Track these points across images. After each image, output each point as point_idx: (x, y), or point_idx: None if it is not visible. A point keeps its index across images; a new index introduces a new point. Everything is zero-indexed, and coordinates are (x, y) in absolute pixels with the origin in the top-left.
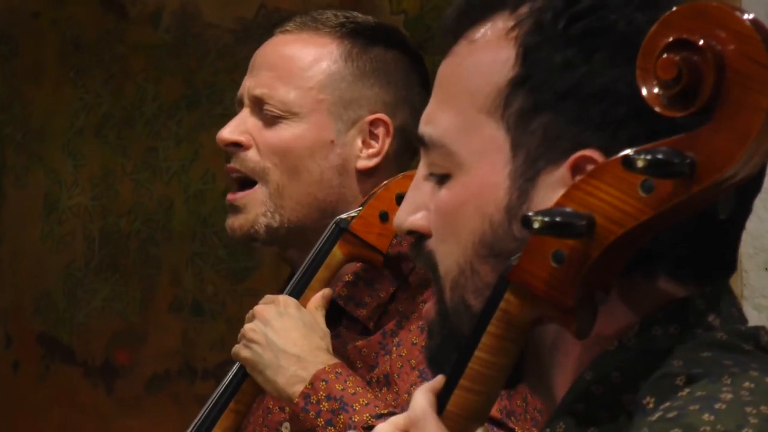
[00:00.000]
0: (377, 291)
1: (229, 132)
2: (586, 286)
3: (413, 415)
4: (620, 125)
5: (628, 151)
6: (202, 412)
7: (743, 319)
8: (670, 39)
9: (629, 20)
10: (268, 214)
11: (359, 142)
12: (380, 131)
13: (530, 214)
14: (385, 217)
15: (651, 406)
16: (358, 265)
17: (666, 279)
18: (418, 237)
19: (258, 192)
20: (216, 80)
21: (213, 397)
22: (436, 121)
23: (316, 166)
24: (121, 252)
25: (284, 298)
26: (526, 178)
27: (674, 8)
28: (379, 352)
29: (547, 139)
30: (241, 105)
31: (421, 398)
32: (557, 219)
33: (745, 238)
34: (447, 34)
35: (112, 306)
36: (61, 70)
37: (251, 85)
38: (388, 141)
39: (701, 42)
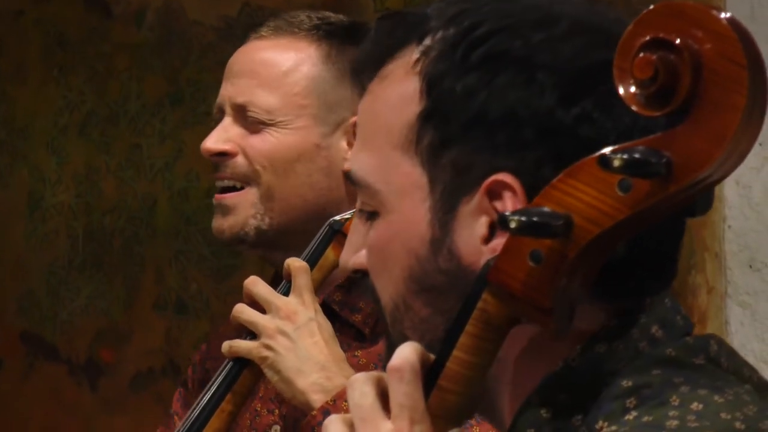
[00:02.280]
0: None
1: (213, 142)
2: (563, 286)
3: (394, 362)
4: (527, 148)
5: (604, 151)
6: (191, 411)
7: (689, 326)
8: (647, 38)
9: (525, 41)
10: (258, 216)
11: (344, 144)
12: None
13: (507, 213)
14: None
15: (604, 430)
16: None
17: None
18: (363, 274)
19: (248, 193)
20: (200, 78)
21: (202, 396)
22: (359, 160)
23: (304, 168)
24: (104, 250)
25: (309, 301)
26: (445, 210)
27: (651, 7)
28: (378, 364)
29: (460, 170)
30: (221, 113)
31: (407, 348)
32: (534, 219)
33: (729, 235)
34: (361, 73)
35: (96, 304)
36: (44, 69)
37: (232, 93)
38: None
39: (678, 41)
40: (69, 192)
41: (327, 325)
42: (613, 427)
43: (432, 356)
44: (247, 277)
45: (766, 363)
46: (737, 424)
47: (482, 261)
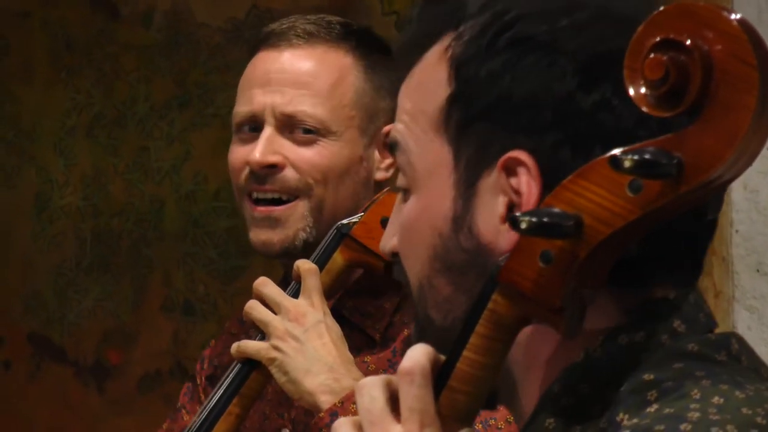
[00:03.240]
0: (381, 301)
1: (261, 154)
2: (574, 286)
3: (405, 365)
4: (546, 129)
5: (615, 151)
6: (199, 413)
7: (712, 324)
8: (658, 39)
9: (550, 27)
10: (308, 228)
11: (377, 154)
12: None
13: (518, 214)
14: (386, 223)
15: (625, 422)
16: (359, 274)
17: (626, 286)
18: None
19: (299, 206)
20: (207, 80)
21: (210, 399)
22: (399, 132)
23: (351, 181)
24: (112, 252)
25: (319, 303)
26: (467, 185)
27: (661, 8)
28: (388, 370)
29: (482, 146)
30: (253, 121)
31: (418, 350)
32: (545, 219)
33: (737, 239)
34: (405, 57)
35: (104, 306)
36: (52, 70)
37: (279, 102)
38: None
39: (689, 42)
40: (76, 194)
41: (336, 327)
42: (635, 420)
43: (443, 357)
44: (254, 279)
45: None
46: (758, 419)
47: (500, 240)
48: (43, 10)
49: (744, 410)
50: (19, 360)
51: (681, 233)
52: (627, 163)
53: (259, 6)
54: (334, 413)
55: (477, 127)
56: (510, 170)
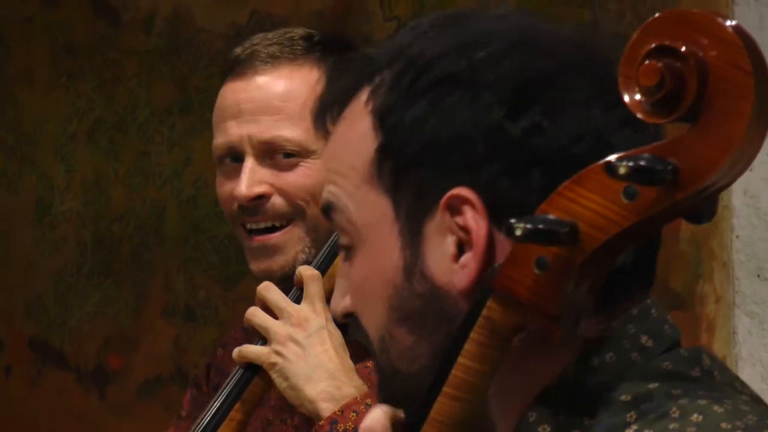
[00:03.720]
0: None
1: (247, 188)
2: (570, 293)
3: (365, 425)
4: (481, 163)
5: (610, 158)
6: (200, 418)
7: (677, 334)
8: (653, 45)
9: (467, 62)
10: (306, 249)
11: None
12: None
13: (512, 221)
14: None
15: None
16: None
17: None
18: (353, 317)
19: (295, 230)
20: (208, 85)
21: (212, 404)
22: (332, 193)
23: None
24: (113, 257)
25: (321, 309)
26: (413, 232)
27: (657, 14)
28: None
29: (420, 191)
30: (231, 154)
31: (377, 411)
32: (540, 226)
33: (737, 245)
34: (323, 117)
35: (104, 311)
36: (53, 75)
37: (254, 132)
38: None
39: (684, 48)
40: (77, 199)
41: (337, 333)
42: None
43: (402, 415)
44: (255, 284)
45: None
46: None
47: (455, 280)
48: (44, 14)
49: (723, 425)
50: (20, 365)
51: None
52: (622, 170)
53: (259, 11)
54: (333, 421)
55: (411, 174)
56: (454, 209)
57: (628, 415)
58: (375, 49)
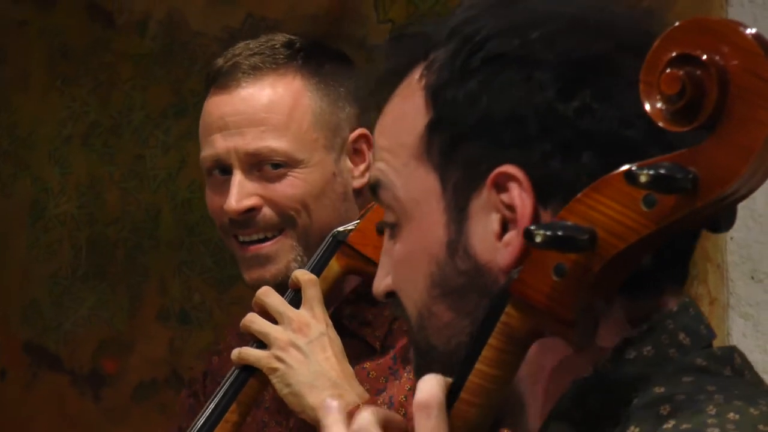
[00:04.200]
0: (381, 309)
1: (236, 202)
2: (587, 300)
3: (420, 397)
4: (532, 142)
5: (630, 166)
6: (196, 420)
7: (712, 335)
8: (674, 54)
9: (522, 41)
10: (298, 258)
11: (349, 163)
12: (362, 146)
13: (532, 227)
14: (382, 230)
15: None
16: (357, 282)
17: (629, 297)
18: (395, 295)
19: (286, 238)
20: (203, 89)
21: (207, 405)
22: (379, 170)
23: (329, 200)
24: (108, 260)
25: (320, 314)
26: (458, 208)
27: (677, 23)
28: (389, 377)
29: (468, 167)
30: (218, 166)
31: (432, 382)
32: (559, 233)
33: (732, 247)
34: (377, 96)
35: (99, 314)
36: (48, 78)
37: (240, 144)
38: (371, 152)
39: (704, 57)
40: (72, 202)
41: (337, 339)
42: None
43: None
44: (249, 287)
45: None
46: None
47: (498, 258)
48: (39, 18)
49: (761, 427)
50: (15, 369)
51: (676, 240)
52: (642, 178)
53: (254, 15)
54: None
55: (461, 150)
56: (500, 186)
57: (662, 407)
58: (429, 27)
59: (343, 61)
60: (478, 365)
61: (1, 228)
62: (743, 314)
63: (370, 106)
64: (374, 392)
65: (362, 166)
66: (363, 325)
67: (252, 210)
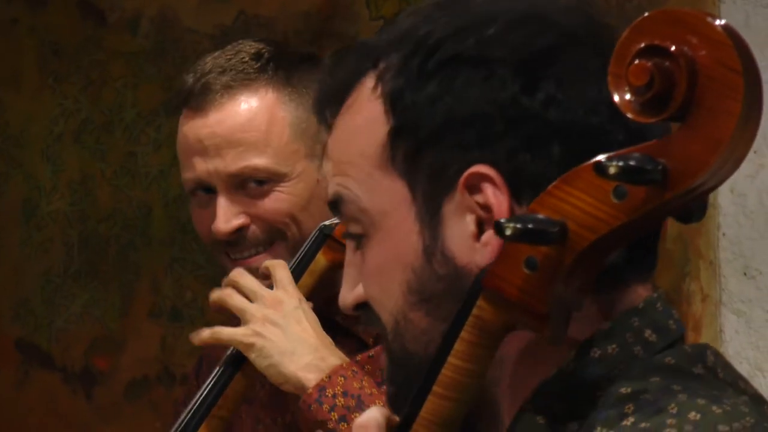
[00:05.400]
0: None
1: (225, 223)
2: (559, 293)
3: (359, 419)
4: (499, 139)
5: (600, 158)
6: (182, 417)
7: (682, 329)
8: (642, 45)
9: (476, 39)
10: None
11: None
12: None
13: (502, 220)
14: None
15: None
16: None
17: (596, 294)
18: (366, 306)
19: (278, 250)
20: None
21: (193, 402)
22: (339, 185)
23: (316, 206)
24: (100, 258)
25: (293, 292)
26: (431, 214)
27: (646, 14)
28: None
29: (437, 172)
30: (201, 188)
31: (375, 409)
32: (529, 226)
33: (724, 243)
34: (324, 110)
35: (91, 312)
36: (39, 76)
37: (221, 166)
38: None
39: (673, 48)
40: (64, 200)
41: (311, 313)
42: None
43: (396, 419)
44: None
45: (761, 371)
46: None
47: (477, 258)
48: (30, 16)
49: (720, 427)
50: (6, 367)
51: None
52: (612, 170)
53: (246, 12)
54: (322, 388)
55: (427, 154)
56: (473, 187)
57: (626, 406)
58: (373, 37)
59: (312, 64)
60: (450, 359)
61: None
62: (736, 311)
63: (319, 125)
64: (381, 374)
65: None
66: (356, 321)
67: (240, 229)
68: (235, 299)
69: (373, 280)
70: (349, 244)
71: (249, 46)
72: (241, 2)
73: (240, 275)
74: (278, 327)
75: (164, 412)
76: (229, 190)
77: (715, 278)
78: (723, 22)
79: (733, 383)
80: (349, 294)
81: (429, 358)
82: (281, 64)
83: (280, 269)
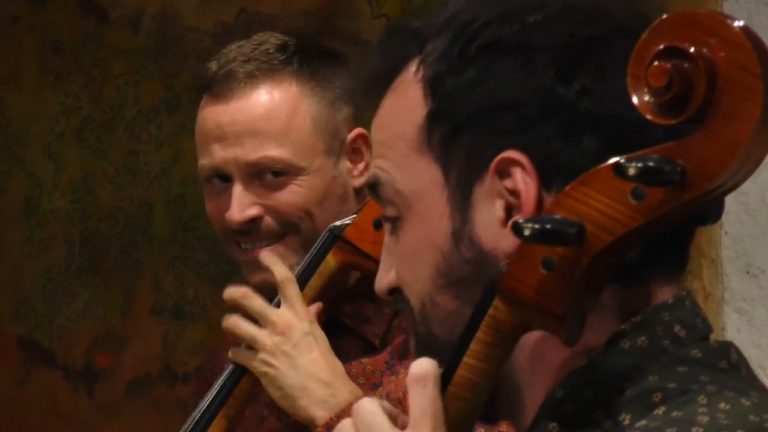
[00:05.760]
0: (380, 306)
1: (239, 212)
2: (575, 293)
3: (415, 371)
4: (533, 126)
5: (619, 158)
6: (193, 415)
7: (708, 328)
8: (661, 47)
9: (519, 26)
10: (300, 261)
11: (348, 164)
12: (360, 145)
13: (521, 221)
14: (378, 225)
15: (627, 422)
16: (355, 279)
17: (624, 289)
18: (399, 291)
19: (289, 242)
20: (196, 84)
21: (204, 400)
22: (378, 167)
23: (331, 203)
24: (101, 256)
25: (302, 312)
26: (462, 198)
27: (665, 16)
28: (385, 372)
29: (471, 155)
30: (217, 176)
31: (426, 359)
32: (547, 226)
33: (726, 241)
34: (372, 94)
35: (93, 310)
36: (40, 74)
37: (240, 154)
38: (369, 151)
39: (692, 50)
40: (65, 198)
41: (323, 336)
42: (643, 422)
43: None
44: (243, 282)
45: (763, 369)
46: (766, 425)
47: (503, 244)
48: (31, 14)
49: (751, 417)
50: (8, 365)
51: (673, 230)
52: (631, 171)
53: (247, 10)
54: (330, 427)
55: (463, 138)
56: (503, 172)
57: (654, 395)
58: (421, 21)
59: (337, 60)
60: (466, 358)
61: None
62: (738, 309)
63: (365, 105)
64: (369, 386)
65: (361, 165)
66: (363, 322)
67: (254, 220)
68: (243, 328)
69: (406, 263)
70: (387, 228)
71: (275, 38)
72: (242, 0)
73: (244, 298)
74: (289, 358)
75: (166, 410)
76: (246, 179)
77: (718, 276)
78: (742, 23)
79: (753, 380)
80: (383, 279)
81: (453, 343)
82: (306, 58)
83: (289, 286)
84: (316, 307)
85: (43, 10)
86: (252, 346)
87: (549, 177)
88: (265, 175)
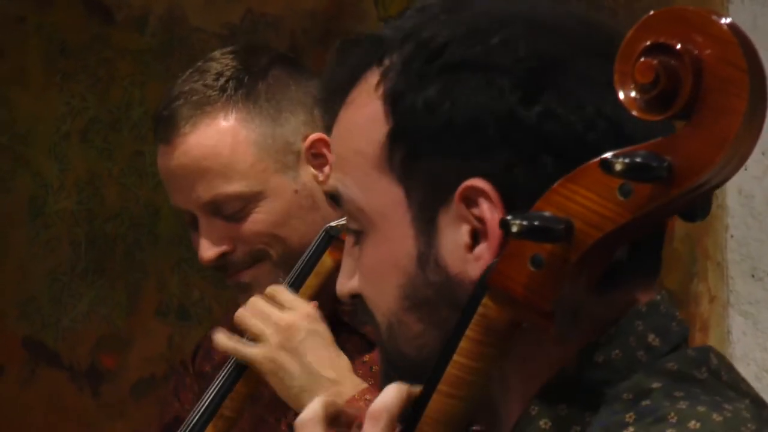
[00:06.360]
0: None
1: (207, 251)
2: (565, 290)
3: (374, 406)
4: (495, 151)
5: (606, 155)
6: (190, 416)
7: (685, 330)
8: (648, 43)
9: (481, 46)
10: (280, 278)
11: (310, 169)
12: (321, 149)
13: (509, 217)
14: None
15: None
16: None
17: (598, 296)
18: (361, 298)
19: (265, 266)
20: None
21: (202, 401)
22: (338, 180)
23: (299, 217)
24: (107, 256)
25: (307, 309)
26: (426, 221)
27: (652, 12)
28: None
29: (434, 180)
30: (190, 216)
31: (392, 392)
32: (535, 223)
33: (732, 244)
34: (328, 102)
35: (98, 310)
36: (46, 75)
37: (194, 197)
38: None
39: (679, 46)
40: (71, 198)
41: (326, 332)
42: None
43: (417, 391)
44: None
45: None
46: None
47: (469, 270)
48: (37, 14)
49: None
50: (13, 365)
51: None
52: (618, 167)
53: (254, 11)
54: None
55: (425, 162)
56: (469, 200)
57: (627, 415)
58: (380, 31)
59: (283, 67)
60: (456, 356)
61: (0, 224)
62: (743, 312)
63: (325, 112)
64: (378, 385)
65: (326, 169)
66: (362, 320)
67: (225, 254)
68: (250, 323)
69: (368, 279)
70: (349, 237)
71: (216, 64)
72: (249, 1)
73: (252, 302)
74: (294, 355)
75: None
76: (208, 217)
77: (723, 279)
78: (728, 20)
79: (735, 386)
80: (345, 284)
81: (423, 361)
82: (242, 82)
83: (280, 293)
84: (312, 306)
85: (49, 11)
86: (255, 340)
87: (513, 204)
88: (224, 211)
